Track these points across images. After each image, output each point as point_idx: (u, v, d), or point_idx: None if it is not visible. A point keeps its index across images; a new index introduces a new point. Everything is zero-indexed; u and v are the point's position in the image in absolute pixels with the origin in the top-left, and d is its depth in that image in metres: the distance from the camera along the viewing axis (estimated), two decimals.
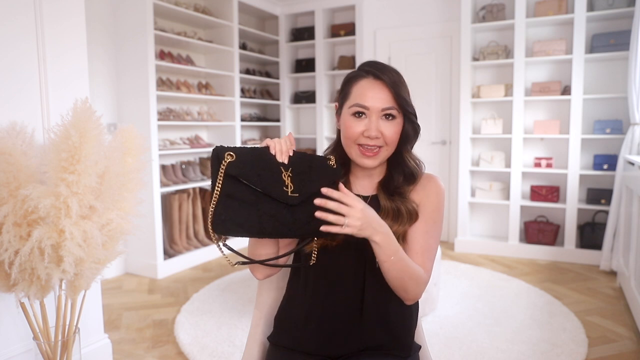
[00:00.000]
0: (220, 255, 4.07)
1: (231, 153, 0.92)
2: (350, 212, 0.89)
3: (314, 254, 1.02)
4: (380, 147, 1.04)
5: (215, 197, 0.92)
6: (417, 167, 1.11)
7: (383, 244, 0.93)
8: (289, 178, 0.94)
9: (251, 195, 0.92)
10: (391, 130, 1.03)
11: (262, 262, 1.01)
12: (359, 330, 1.05)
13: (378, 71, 1.03)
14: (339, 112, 1.11)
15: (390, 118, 1.04)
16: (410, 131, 1.07)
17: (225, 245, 0.96)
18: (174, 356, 2.29)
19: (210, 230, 0.92)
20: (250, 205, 0.91)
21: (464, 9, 3.99)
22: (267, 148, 0.97)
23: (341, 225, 0.89)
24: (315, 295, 1.07)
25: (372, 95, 1.02)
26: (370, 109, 1.02)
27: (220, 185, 0.92)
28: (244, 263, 0.98)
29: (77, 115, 1.40)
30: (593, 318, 2.67)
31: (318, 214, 0.89)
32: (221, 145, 0.94)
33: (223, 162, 0.92)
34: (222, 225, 0.91)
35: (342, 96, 1.09)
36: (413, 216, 1.06)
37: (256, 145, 0.99)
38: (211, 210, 0.91)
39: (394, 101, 1.03)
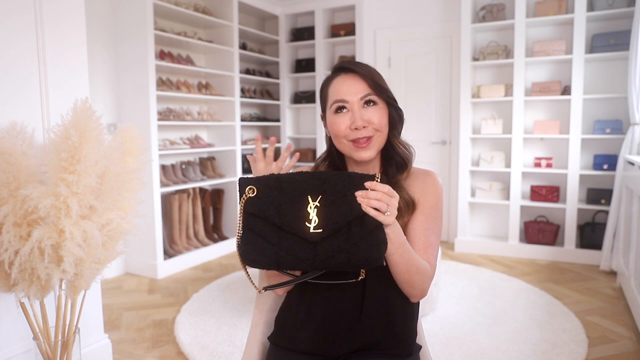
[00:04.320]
0: (220, 256, 4.07)
1: (253, 187, 0.92)
2: (391, 202, 0.89)
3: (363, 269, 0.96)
4: (371, 136, 1.04)
5: (239, 229, 0.94)
6: (408, 152, 1.11)
7: (392, 235, 0.93)
8: (316, 210, 0.89)
9: (271, 230, 0.91)
10: (377, 115, 1.04)
11: (288, 284, 1.01)
12: (359, 330, 1.05)
13: (349, 64, 1.06)
14: (324, 118, 1.12)
15: (372, 104, 1.04)
16: (395, 116, 1.09)
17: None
18: (174, 356, 2.29)
19: (240, 260, 0.95)
20: (269, 241, 0.91)
21: (464, 9, 3.99)
22: (296, 173, 0.93)
23: (383, 213, 0.88)
24: (315, 295, 1.07)
25: (347, 88, 1.04)
26: (350, 101, 1.04)
27: (241, 219, 0.93)
28: (271, 287, 1.01)
29: (77, 115, 1.40)
30: (593, 318, 2.67)
31: (360, 199, 0.87)
32: (245, 178, 0.93)
33: (243, 196, 0.92)
34: (242, 257, 0.93)
35: (322, 102, 1.11)
36: (410, 206, 1.06)
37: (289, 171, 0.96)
38: (237, 241, 0.94)
39: (370, 88, 1.04)
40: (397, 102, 1.10)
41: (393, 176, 1.09)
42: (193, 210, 3.93)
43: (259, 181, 0.92)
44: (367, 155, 1.05)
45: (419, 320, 1.20)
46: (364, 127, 1.03)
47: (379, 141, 1.06)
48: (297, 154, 1.10)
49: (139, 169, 1.64)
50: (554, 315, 2.69)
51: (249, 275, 0.98)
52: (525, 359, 2.20)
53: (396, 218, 1.01)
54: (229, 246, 4.13)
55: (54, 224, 1.38)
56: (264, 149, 1.08)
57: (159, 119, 3.59)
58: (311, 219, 0.89)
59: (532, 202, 3.95)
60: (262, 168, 1.06)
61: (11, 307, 1.73)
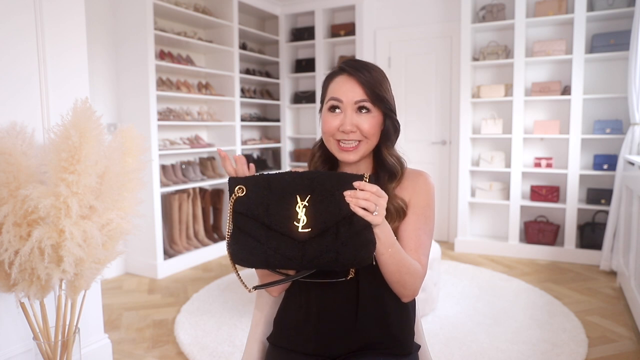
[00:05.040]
0: (220, 256, 4.07)
1: (242, 187, 0.92)
2: (379, 202, 0.89)
3: (352, 270, 0.96)
4: (359, 141, 1.05)
5: (229, 229, 0.94)
6: (398, 164, 1.11)
7: (381, 235, 0.93)
8: (304, 209, 0.89)
9: (259, 229, 0.91)
10: (367, 123, 1.04)
11: (277, 283, 1.01)
12: (356, 330, 1.05)
13: (352, 68, 1.05)
14: (320, 110, 1.13)
15: (365, 111, 1.04)
16: (390, 128, 1.09)
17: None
18: (174, 356, 2.29)
19: (229, 258, 0.95)
20: (258, 241, 0.91)
21: (464, 9, 3.99)
22: (286, 173, 0.93)
23: (371, 213, 0.88)
24: (311, 296, 1.07)
25: (345, 89, 1.05)
26: (344, 102, 1.04)
27: (230, 219, 0.94)
28: (261, 287, 1.01)
29: (77, 115, 1.40)
30: (593, 318, 2.67)
31: (349, 198, 0.88)
32: (234, 177, 0.94)
33: (232, 196, 0.93)
34: (231, 256, 0.94)
35: (322, 94, 1.13)
36: (401, 213, 1.07)
37: (279, 171, 0.96)
38: (227, 240, 0.94)
39: (366, 96, 1.04)
40: (395, 114, 1.09)
41: (384, 184, 1.09)
42: (193, 210, 3.93)
43: (248, 181, 0.93)
44: (350, 158, 1.06)
45: (418, 320, 1.20)
46: (351, 131, 1.03)
47: (365, 148, 1.07)
48: (252, 165, 1.07)
49: (139, 169, 1.64)
50: (554, 315, 2.69)
51: (238, 275, 0.99)
52: (525, 359, 2.20)
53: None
54: None
55: (54, 224, 1.38)
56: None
57: (159, 119, 3.59)
58: (300, 218, 0.90)
59: (532, 202, 3.95)
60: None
61: (11, 307, 1.73)
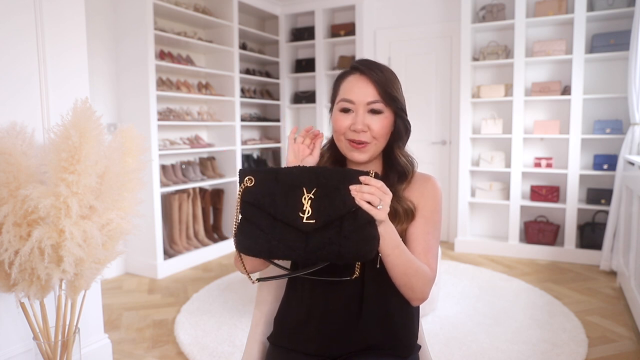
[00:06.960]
0: (220, 256, 4.07)
1: (251, 177, 0.95)
2: (384, 197, 0.90)
3: (357, 267, 0.96)
4: (367, 143, 1.05)
5: (236, 219, 0.97)
6: (409, 165, 1.11)
7: (386, 235, 0.93)
8: (310, 201, 0.92)
9: (265, 219, 0.94)
10: (378, 124, 1.05)
11: (282, 277, 1.01)
12: (358, 330, 1.05)
13: (365, 67, 1.06)
14: (331, 110, 1.13)
15: (377, 112, 1.05)
16: (401, 128, 1.09)
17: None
18: (174, 356, 2.29)
19: (235, 247, 0.97)
20: (262, 230, 0.93)
21: (464, 9, 3.99)
22: (294, 167, 0.96)
23: (376, 207, 0.89)
24: (313, 295, 1.07)
25: (357, 90, 1.05)
26: (356, 103, 1.04)
27: (238, 208, 0.96)
28: (264, 279, 1.02)
29: (77, 115, 1.40)
30: (593, 318, 2.67)
31: (354, 192, 0.89)
32: (244, 168, 0.97)
33: (242, 186, 0.96)
34: (237, 245, 0.96)
35: (332, 94, 1.13)
36: (410, 215, 1.07)
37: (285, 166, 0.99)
38: (234, 230, 0.97)
39: (379, 96, 1.04)
40: (406, 114, 1.10)
41: (393, 185, 1.08)
42: (193, 210, 3.93)
43: (257, 172, 0.96)
44: (360, 158, 1.06)
45: (419, 321, 1.20)
46: (363, 131, 1.04)
47: (374, 149, 1.07)
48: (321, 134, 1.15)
49: (139, 169, 1.64)
50: (554, 315, 2.69)
51: (244, 266, 0.99)
52: (525, 359, 2.20)
53: (394, 224, 1.02)
54: (229, 246, 4.13)
55: (54, 224, 1.38)
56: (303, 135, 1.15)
57: (159, 119, 3.59)
58: (305, 210, 0.91)
59: (532, 202, 3.95)
60: (292, 158, 1.11)
61: (11, 307, 1.73)
